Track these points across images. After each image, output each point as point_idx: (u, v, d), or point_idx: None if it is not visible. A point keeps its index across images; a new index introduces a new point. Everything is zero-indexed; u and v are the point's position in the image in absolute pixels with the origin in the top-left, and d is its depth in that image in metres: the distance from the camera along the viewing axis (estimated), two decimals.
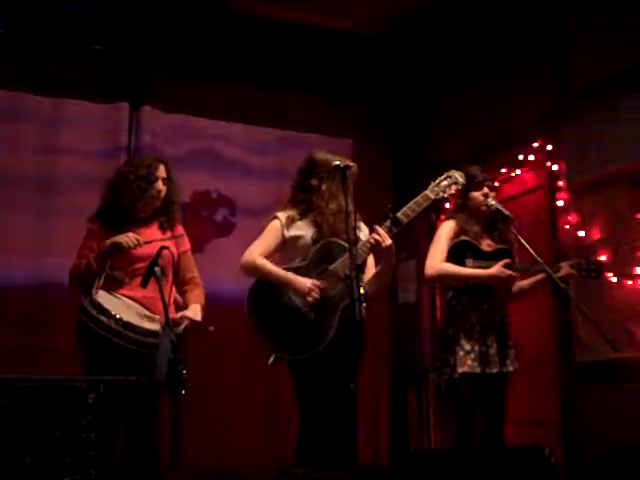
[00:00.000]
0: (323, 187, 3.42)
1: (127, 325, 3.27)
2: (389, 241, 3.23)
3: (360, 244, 3.24)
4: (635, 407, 4.01)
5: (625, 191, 4.36)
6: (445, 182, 3.41)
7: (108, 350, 3.27)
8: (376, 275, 3.42)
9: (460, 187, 3.48)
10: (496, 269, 3.70)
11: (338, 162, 3.23)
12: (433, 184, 3.40)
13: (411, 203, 3.32)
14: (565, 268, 3.77)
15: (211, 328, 3.36)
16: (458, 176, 3.44)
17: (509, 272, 3.71)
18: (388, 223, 3.27)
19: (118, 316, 3.27)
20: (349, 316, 3.03)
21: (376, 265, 3.46)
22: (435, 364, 3.87)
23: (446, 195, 3.43)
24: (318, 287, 3.25)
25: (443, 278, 3.84)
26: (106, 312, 3.27)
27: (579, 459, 4.32)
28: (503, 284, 3.77)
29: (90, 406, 2.71)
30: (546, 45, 4.93)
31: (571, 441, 4.44)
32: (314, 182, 3.44)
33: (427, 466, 2.96)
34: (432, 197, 3.36)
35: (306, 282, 3.28)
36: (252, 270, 3.41)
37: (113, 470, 3.23)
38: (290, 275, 3.33)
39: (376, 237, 3.23)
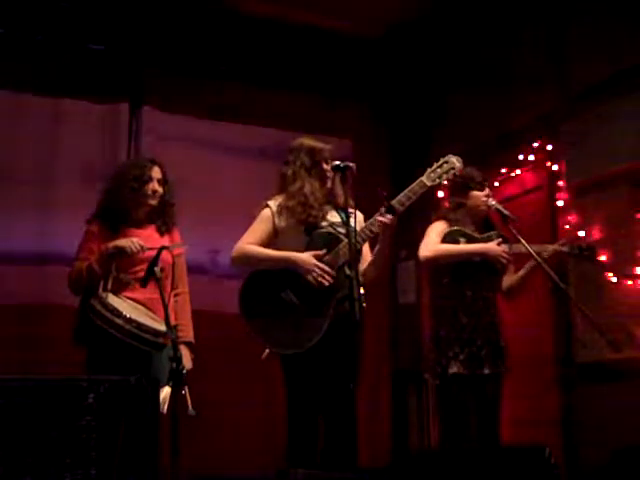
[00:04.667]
0: (289, 172, 3.38)
1: (141, 326, 3.29)
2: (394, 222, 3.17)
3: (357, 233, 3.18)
4: (635, 407, 4.01)
5: (625, 191, 4.36)
6: (442, 167, 3.28)
7: (113, 350, 3.28)
8: (374, 259, 3.36)
9: (458, 172, 3.35)
10: (491, 243, 3.74)
11: (338, 162, 3.22)
12: (429, 170, 3.28)
13: (406, 191, 3.22)
14: (553, 247, 3.80)
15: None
16: (455, 160, 3.29)
17: (504, 247, 3.72)
18: (383, 211, 3.19)
19: (132, 317, 3.29)
20: (344, 311, 3.00)
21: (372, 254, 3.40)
22: (427, 365, 3.87)
23: (443, 181, 3.32)
24: (320, 263, 3.18)
25: (441, 257, 3.79)
26: (120, 314, 3.29)
27: (579, 459, 4.32)
28: (498, 258, 3.75)
29: (90, 406, 2.71)
30: (546, 45, 4.93)
31: (571, 441, 4.44)
32: (284, 169, 3.41)
33: (427, 466, 2.96)
34: (428, 184, 3.24)
35: (308, 259, 3.20)
36: (243, 258, 3.33)
37: (113, 470, 3.23)
38: (287, 253, 3.25)
39: (384, 220, 3.16)
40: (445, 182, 3.45)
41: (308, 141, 3.44)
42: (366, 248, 3.40)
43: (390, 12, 5.49)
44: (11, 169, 4.93)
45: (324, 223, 3.33)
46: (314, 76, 5.72)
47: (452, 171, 3.30)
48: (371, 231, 3.22)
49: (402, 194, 3.23)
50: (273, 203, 3.39)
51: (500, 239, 3.78)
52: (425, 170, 3.30)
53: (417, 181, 3.26)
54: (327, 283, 3.18)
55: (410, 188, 3.24)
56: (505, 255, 3.74)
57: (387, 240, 3.28)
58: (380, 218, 3.17)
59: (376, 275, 3.40)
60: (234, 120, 5.55)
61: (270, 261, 3.29)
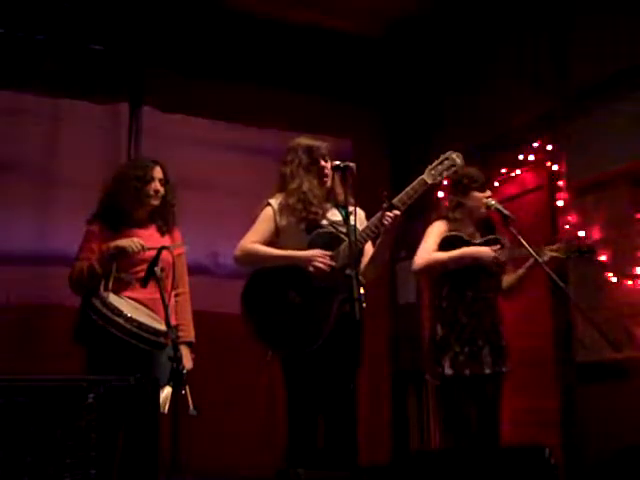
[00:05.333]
0: (287, 171, 3.40)
1: (141, 325, 3.30)
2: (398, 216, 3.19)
3: (359, 232, 3.18)
4: (635, 407, 4.01)
5: (625, 191, 4.36)
6: (443, 164, 3.27)
7: (114, 349, 3.29)
8: (373, 257, 3.37)
9: (459, 169, 3.35)
10: (483, 247, 3.74)
11: (338, 162, 3.22)
12: (430, 167, 3.27)
13: (407, 189, 3.23)
14: (547, 253, 3.75)
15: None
16: (456, 157, 3.28)
17: (496, 253, 3.71)
18: (384, 210, 3.19)
19: (133, 317, 3.30)
20: (346, 311, 2.99)
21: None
22: (427, 365, 3.87)
23: (444, 178, 3.32)
24: (324, 256, 3.19)
25: (432, 266, 3.80)
26: (120, 313, 3.29)
27: (579, 459, 4.32)
28: (492, 263, 3.75)
29: (90, 406, 2.70)
30: (546, 45, 4.92)
31: (571, 441, 4.44)
32: (282, 169, 3.42)
33: (427, 466, 2.96)
34: (429, 182, 3.24)
35: (312, 252, 3.21)
36: (247, 257, 3.34)
37: (113, 470, 3.23)
38: (290, 251, 3.26)
39: (390, 215, 3.17)
40: (446, 180, 3.45)
41: (305, 140, 3.45)
42: (368, 247, 3.40)
43: (390, 12, 5.50)
44: (11, 169, 4.93)
45: (324, 222, 3.33)
46: (314, 76, 5.72)
47: (453, 168, 3.29)
48: (372, 231, 3.22)
49: (403, 192, 3.23)
50: (274, 201, 3.39)
51: (498, 245, 3.76)
52: (425, 168, 3.30)
53: (418, 179, 3.26)
54: (327, 269, 3.17)
55: (411, 186, 3.24)
56: (497, 260, 3.75)
57: (388, 239, 3.28)
58: (388, 214, 3.17)
59: (376, 275, 3.40)
60: (234, 120, 5.55)
61: (274, 259, 3.29)
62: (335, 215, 3.36)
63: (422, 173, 3.30)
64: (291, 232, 3.33)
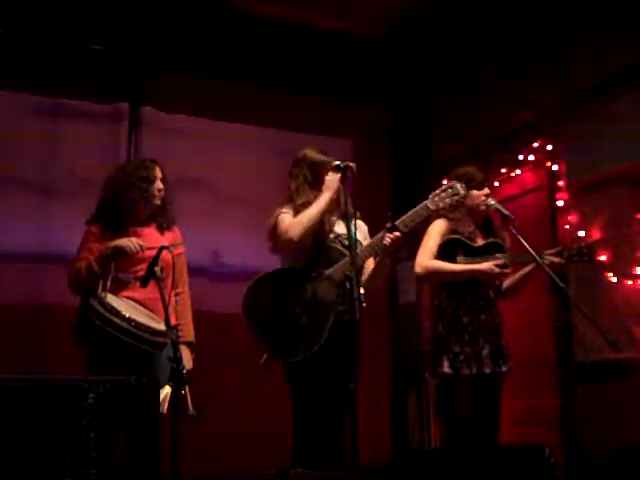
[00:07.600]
0: (292, 186, 3.43)
1: (139, 325, 3.30)
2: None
3: (360, 249, 3.24)
4: (635, 407, 4.01)
5: (625, 191, 4.36)
6: (446, 192, 3.34)
7: (113, 350, 3.29)
8: (375, 271, 3.40)
9: (461, 200, 3.41)
10: (486, 265, 3.70)
11: (338, 162, 3.23)
12: (433, 194, 3.34)
13: (411, 213, 3.30)
14: (548, 258, 3.73)
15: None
16: (459, 187, 3.36)
17: (499, 270, 3.71)
18: (387, 230, 3.25)
19: (131, 317, 3.30)
20: (345, 318, 3.02)
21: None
22: (427, 365, 3.88)
23: (446, 206, 3.37)
24: None
25: (432, 275, 3.83)
26: (118, 313, 3.29)
27: (579, 459, 4.32)
28: (492, 280, 3.77)
29: (90, 406, 2.71)
30: (546, 45, 4.93)
31: (571, 441, 4.45)
32: (289, 182, 3.45)
33: (427, 466, 2.96)
34: (432, 208, 3.31)
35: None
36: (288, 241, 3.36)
37: (113, 470, 3.23)
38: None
39: (391, 237, 3.21)
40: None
41: (311, 154, 3.47)
42: (370, 263, 3.43)
43: (391, 12, 5.50)
44: (11, 169, 4.94)
45: (331, 235, 3.38)
46: (315, 76, 5.73)
47: (455, 197, 3.35)
48: (374, 249, 3.27)
49: (406, 216, 3.29)
50: (287, 210, 3.41)
51: (501, 260, 3.74)
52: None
53: (421, 205, 3.32)
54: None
55: (414, 211, 3.30)
56: (500, 279, 3.77)
57: (388, 258, 3.35)
58: (389, 235, 3.22)
59: (376, 287, 3.44)
60: (234, 120, 5.55)
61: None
62: (340, 227, 3.40)
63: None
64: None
